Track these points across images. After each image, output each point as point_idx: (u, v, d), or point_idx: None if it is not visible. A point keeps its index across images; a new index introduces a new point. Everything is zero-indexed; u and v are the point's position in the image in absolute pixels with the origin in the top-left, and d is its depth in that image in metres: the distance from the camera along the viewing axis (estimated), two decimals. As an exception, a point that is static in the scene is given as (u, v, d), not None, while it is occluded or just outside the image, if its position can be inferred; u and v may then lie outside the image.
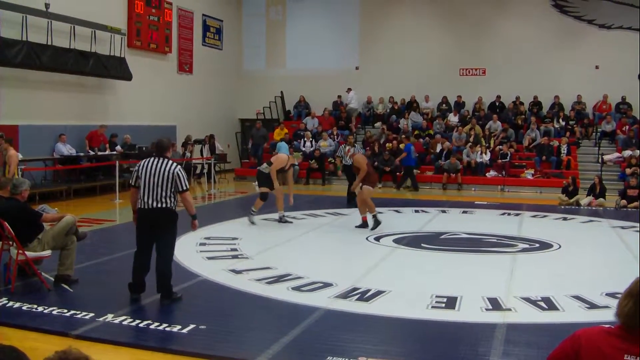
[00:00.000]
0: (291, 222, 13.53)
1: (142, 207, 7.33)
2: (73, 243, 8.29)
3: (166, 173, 7.26)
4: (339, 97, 27.23)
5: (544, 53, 25.04)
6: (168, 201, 7.29)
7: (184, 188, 7.37)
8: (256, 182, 19.75)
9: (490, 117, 24.91)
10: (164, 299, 7.43)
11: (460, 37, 26.27)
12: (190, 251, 10.24)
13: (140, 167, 7.41)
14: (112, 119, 20.66)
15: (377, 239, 11.91)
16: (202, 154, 23.33)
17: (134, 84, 21.06)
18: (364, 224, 12.86)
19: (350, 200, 15.83)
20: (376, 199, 17.04)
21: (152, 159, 7.45)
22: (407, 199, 19.28)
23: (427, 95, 26.52)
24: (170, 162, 7.42)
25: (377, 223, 12.62)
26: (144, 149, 20.12)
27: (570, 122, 24.18)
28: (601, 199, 17.76)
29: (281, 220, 13.51)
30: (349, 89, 26.86)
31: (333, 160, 23.23)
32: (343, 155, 16.39)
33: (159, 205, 7.26)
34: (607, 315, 7.09)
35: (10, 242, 7.87)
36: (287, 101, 28.34)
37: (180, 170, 7.37)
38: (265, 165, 13.50)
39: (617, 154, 22.08)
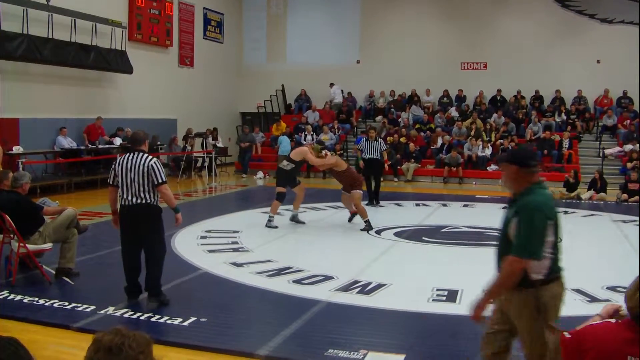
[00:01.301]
0: (304, 223, 12.76)
1: (123, 204, 7.05)
2: (74, 236, 8.29)
3: (141, 167, 6.93)
4: (341, 90, 27.22)
5: (545, 47, 25.00)
6: (148, 196, 6.97)
7: (160, 181, 6.98)
8: (259, 176, 19.34)
9: (491, 110, 24.93)
10: (151, 301, 7.10)
11: (462, 31, 26.21)
12: (191, 244, 10.25)
13: (117, 165, 7.09)
14: (113, 112, 20.63)
15: (378, 232, 11.92)
16: (203, 147, 23.31)
17: (135, 77, 21.02)
18: (353, 216, 12.75)
19: (373, 200, 15.53)
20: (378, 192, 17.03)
21: (128, 154, 7.12)
22: (408, 193, 19.30)
23: (428, 89, 26.51)
24: (146, 155, 7.05)
25: (369, 227, 12.11)
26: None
27: (572, 117, 24.17)
28: (602, 193, 17.75)
29: (294, 219, 12.83)
30: (332, 84, 26.87)
31: (335, 153, 23.24)
32: (364, 149, 15.80)
33: (139, 201, 6.96)
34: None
35: (12, 235, 7.88)
36: (288, 95, 28.30)
37: (155, 163, 7.00)
38: (285, 162, 12.55)
39: (618, 148, 22.07)
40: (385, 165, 16.21)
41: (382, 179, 16.36)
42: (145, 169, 6.93)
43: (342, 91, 27.17)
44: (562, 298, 4.18)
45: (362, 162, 15.91)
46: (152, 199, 7.03)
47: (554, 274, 4.10)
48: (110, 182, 7.22)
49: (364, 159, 15.62)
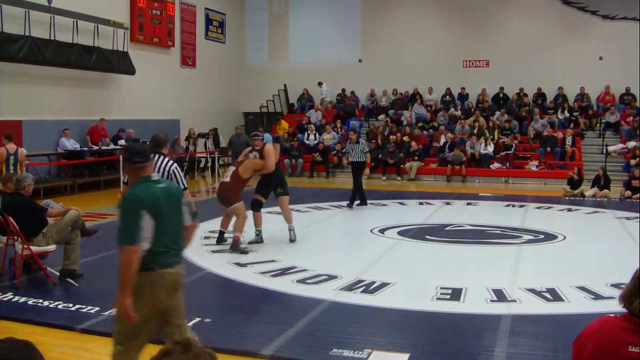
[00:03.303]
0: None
1: None
2: (77, 237, 8.30)
3: (162, 171, 6.88)
4: (343, 90, 27.25)
5: (547, 44, 24.95)
6: None
7: (183, 187, 6.92)
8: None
9: (493, 108, 24.90)
10: None
11: (464, 29, 26.19)
12: (194, 244, 10.18)
13: None
14: (115, 113, 20.65)
15: (382, 231, 11.91)
16: (206, 148, 23.32)
17: (137, 78, 21.04)
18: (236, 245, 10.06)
19: (355, 201, 14.91)
20: (381, 191, 17.03)
21: None
22: (411, 191, 19.29)
23: (430, 87, 26.48)
24: (167, 159, 7.03)
25: (235, 248, 9.98)
26: (147, 143, 20.08)
27: (574, 114, 24.13)
28: (606, 190, 17.71)
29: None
30: (320, 83, 26.86)
31: (337, 152, 23.26)
32: (350, 151, 15.07)
33: None
34: (612, 306, 7.07)
35: (15, 237, 7.89)
36: (291, 94, 28.32)
37: (177, 168, 6.97)
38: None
39: (621, 145, 22.03)
40: (367, 169, 15.17)
41: (362, 179, 15.21)
42: (166, 173, 6.88)
43: (343, 90, 27.21)
44: (163, 288, 4.40)
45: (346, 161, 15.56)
46: None
47: (150, 264, 4.34)
48: (125, 181, 7.16)
49: (350, 161, 15.18)
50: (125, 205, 4.39)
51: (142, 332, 4.40)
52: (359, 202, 14.97)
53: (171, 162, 7.04)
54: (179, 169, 7.06)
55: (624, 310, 2.73)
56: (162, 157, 7.03)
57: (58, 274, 8.16)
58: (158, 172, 6.89)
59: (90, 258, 9.19)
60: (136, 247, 4.23)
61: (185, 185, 7.09)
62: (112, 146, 19.68)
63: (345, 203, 15.03)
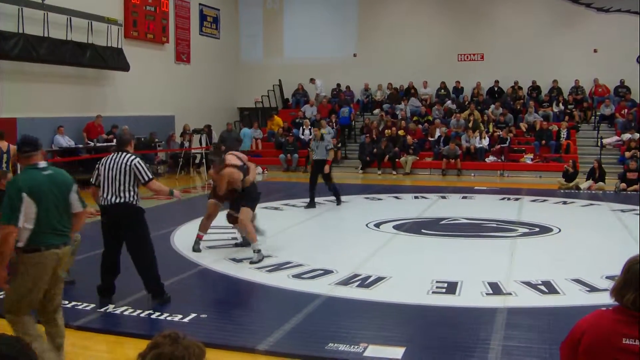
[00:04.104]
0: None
1: (103, 203, 6.99)
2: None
3: (124, 166, 6.88)
4: (338, 84, 27.24)
5: (542, 37, 24.96)
6: (127, 195, 6.88)
7: (147, 179, 6.95)
8: (258, 171, 17.53)
9: (488, 102, 24.91)
10: (154, 299, 7.07)
11: (458, 22, 26.18)
12: (190, 240, 10.22)
13: (100, 164, 7.08)
14: (110, 110, 20.60)
15: (377, 225, 11.92)
16: (201, 144, 23.30)
17: (132, 74, 20.98)
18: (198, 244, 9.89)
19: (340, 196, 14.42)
20: (377, 185, 17.01)
21: (112, 154, 7.11)
22: (407, 185, 19.31)
23: (425, 81, 26.46)
24: (129, 155, 7.02)
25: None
26: (142, 139, 20.07)
27: (569, 106, 24.16)
28: (601, 183, 17.75)
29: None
30: (312, 79, 26.77)
31: (334, 146, 23.22)
32: (315, 149, 14.06)
33: (118, 200, 6.88)
34: (608, 298, 7.10)
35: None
36: (286, 89, 28.30)
37: (139, 162, 6.95)
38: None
39: (616, 137, 22.07)
40: (326, 166, 13.95)
41: (331, 178, 14.43)
42: (128, 168, 6.90)
43: (338, 85, 27.21)
44: (48, 268, 4.93)
45: (311, 165, 14.75)
46: (132, 199, 6.94)
47: (37, 244, 4.88)
48: (93, 182, 7.17)
49: (315, 159, 14.28)
50: (7, 189, 4.95)
51: (31, 302, 4.95)
52: (309, 202, 14.18)
53: (133, 157, 7.02)
54: (141, 163, 7.01)
55: (617, 303, 2.75)
56: (124, 154, 7.03)
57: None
58: (119, 166, 6.90)
59: (85, 255, 9.16)
60: (11, 227, 4.75)
61: (150, 177, 7.01)
62: (107, 144, 19.61)
63: (341, 198, 15.04)
